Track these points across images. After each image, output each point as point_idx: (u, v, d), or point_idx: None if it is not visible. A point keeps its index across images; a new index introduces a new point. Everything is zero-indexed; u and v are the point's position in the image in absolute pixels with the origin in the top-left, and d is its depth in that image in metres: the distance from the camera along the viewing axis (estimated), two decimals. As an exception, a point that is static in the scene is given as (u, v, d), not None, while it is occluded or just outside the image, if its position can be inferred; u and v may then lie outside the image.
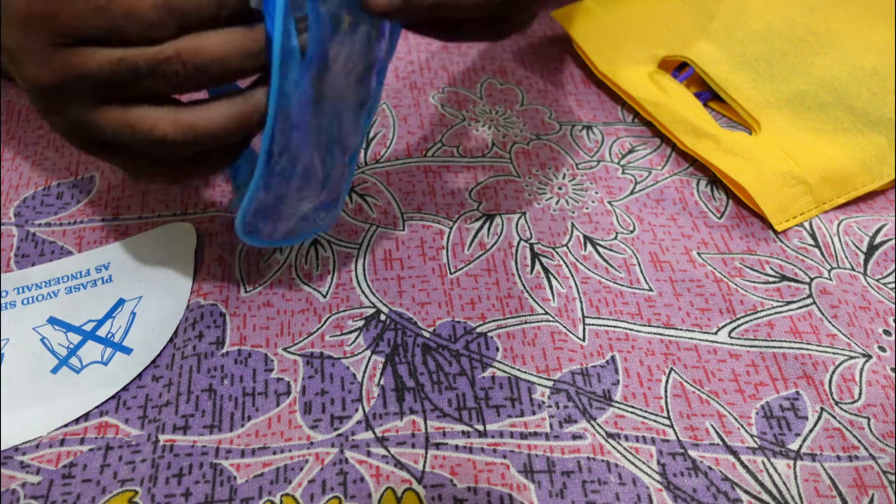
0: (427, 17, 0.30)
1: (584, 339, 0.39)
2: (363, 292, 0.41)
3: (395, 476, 0.34)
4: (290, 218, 0.35)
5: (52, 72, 0.28)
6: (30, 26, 0.27)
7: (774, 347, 0.39)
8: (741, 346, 0.39)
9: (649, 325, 0.40)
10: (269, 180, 0.32)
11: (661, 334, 0.39)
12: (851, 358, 0.39)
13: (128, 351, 0.38)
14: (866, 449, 0.35)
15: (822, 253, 0.44)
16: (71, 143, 0.32)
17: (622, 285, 0.41)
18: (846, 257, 0.43)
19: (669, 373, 0.38)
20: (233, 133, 0.30)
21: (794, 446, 0.35)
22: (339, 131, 0.33)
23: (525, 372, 0.37)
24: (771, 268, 0.43)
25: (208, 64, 0.28)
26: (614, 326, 0.39)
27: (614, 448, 0.35)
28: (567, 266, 0.42)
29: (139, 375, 0.37)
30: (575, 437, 0.35)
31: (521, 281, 0.41)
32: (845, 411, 0.36)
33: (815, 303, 0.41)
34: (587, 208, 0.45)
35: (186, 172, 0.32)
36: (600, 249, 0.43)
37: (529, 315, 0.40)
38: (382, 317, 0.39)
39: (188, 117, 0.29)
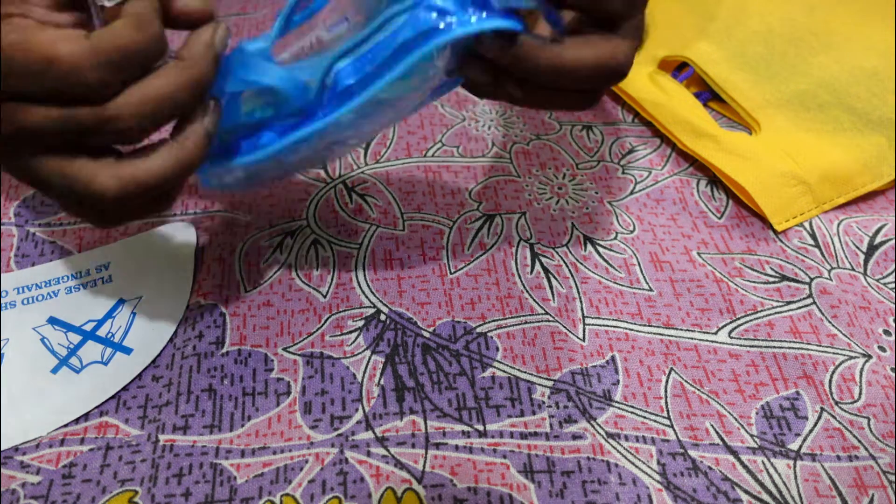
0: (540, 84, 0.30)
1: (584, 339, 0.39)
2: (363, 292, 0.41)
3: (395, 476, 0.34)
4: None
5: None
6: None
7: (774, 347, 0.39)
8: (741, 346, 0.39)
9: (649, 325, 0.40)
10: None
11: (661, 334, 0.39)
12: (851, 358, 0.39)
13: (128, 351, 0.38)
14: (866, 449, 0.35)
15: (822, 253, 0.44)
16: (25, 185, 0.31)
17: (622, 285, 0.41)
18: (846, 257, 0.43)
19: (669, 373, 0.38)
20: (171, 182, 0.30)
21: (794, 446, 0.35)
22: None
23: (525, 372, 0.37)
24: (771, 268, 0.43)
25: (157, 111, 0.28)
26: (614, 326, 0.39)
27: (614, 448, 0.35)
28: (567, 266, 0.42)
29: (139, 375, 0.37)
30: (575, 437, 0.35)
31: (521, 281, 0.41)
32: (845, 411, 0.36)
33: (815, 303, 0.41)
34: (587, 208, 0.45)
35: (122, 218, 0.32)
36: (600, 249, 0.43)
37: (529, 315, 0.40)
38: (382, 317, 0.39)
39: (129, 170, 0.29)
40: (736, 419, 0.36)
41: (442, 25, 0.28)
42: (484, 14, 0.28)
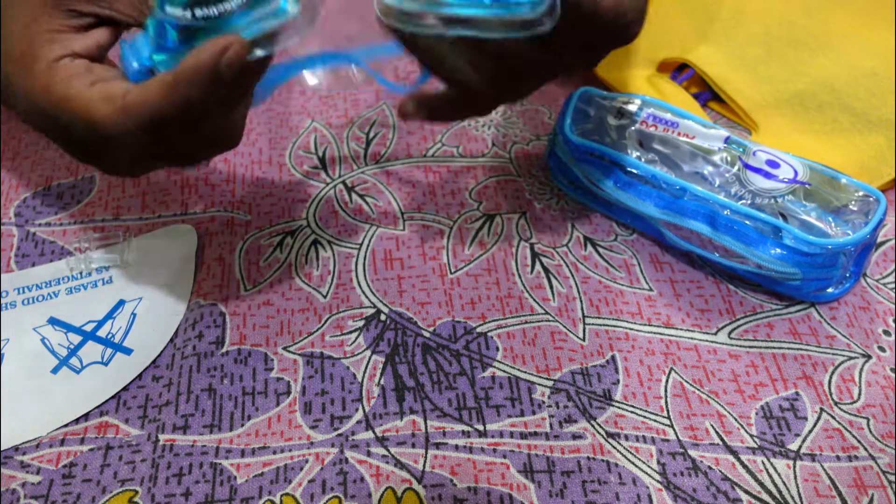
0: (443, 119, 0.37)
1: (584, 339, 0.39)
2: (363, 292, 0.41)
3: (395, 476, 0.34)
4: None
5: None
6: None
7: (774, 348, 0.39)
8: (741, 346, 0.39)
9: (649, 325, 0.40)
10: None
11: (661, 334, 0.39)
12: (851, 358, 0.39)
13: (128, 351, 0.38)
14: (866, 449, 0.35)
15: (821, 253, 0.44)
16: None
17: (622, 285, 0.41)
18: (845, 258, 0.43)
19: (669, 372, 0.38)
20: (169, 119, 0.29)
21: (793, 446, 0.35)
22: None
23: (525, 372, 0.37)
24: (770, 268, 0.43)
25: None
26: (614, 326, 0.39)
27: (614, 448, 0.35)
28: (567, 266, 0.42)
29: (139, 375, 0.37)
30: (575, 436, 0.35)
31: (522, 281, 0.41)
32: (845, 412, 0.36)
33: (814, 304, 0.41)
34: (587, 209, 0.45)
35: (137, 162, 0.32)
36: (600, 250, 0.43)
37: (529, 315, 0.40)
38: (382, 317, 0.39)
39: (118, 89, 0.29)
40: (736, 419, 0.36)
41: None
42: None
